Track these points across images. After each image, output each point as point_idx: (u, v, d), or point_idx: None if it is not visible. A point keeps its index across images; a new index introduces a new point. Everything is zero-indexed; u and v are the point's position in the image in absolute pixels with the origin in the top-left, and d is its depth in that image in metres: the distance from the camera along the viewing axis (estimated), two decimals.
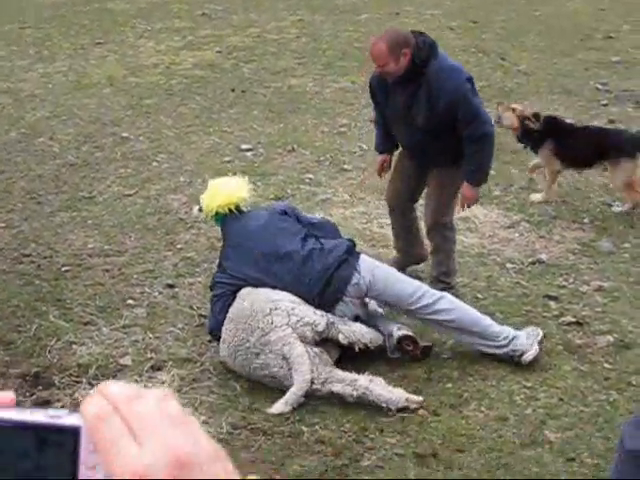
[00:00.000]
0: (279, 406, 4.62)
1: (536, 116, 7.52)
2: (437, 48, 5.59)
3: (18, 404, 0.96)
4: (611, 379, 4.93)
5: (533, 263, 6.41)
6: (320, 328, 4.83)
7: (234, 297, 5.08)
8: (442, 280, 5.98)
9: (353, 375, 4.68)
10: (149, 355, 5.18)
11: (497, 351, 5.00)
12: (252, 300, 4.92)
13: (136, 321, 5.64)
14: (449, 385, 4.89)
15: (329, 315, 4.92)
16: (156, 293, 6.04)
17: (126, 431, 0.79)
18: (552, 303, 5.81)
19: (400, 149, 6.26)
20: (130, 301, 5.91)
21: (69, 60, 12.40)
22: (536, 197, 7.58)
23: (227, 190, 5.47)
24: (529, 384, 4.89)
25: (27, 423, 0.81)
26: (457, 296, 5.45)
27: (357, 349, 4.93)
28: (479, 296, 5.91)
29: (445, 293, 5.20)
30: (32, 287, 6.12)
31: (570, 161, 7.46)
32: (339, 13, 15.35)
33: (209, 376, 4.98)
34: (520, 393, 4.81)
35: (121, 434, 0.79)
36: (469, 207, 6.08)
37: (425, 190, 6.13)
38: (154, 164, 8.62)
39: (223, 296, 5.17)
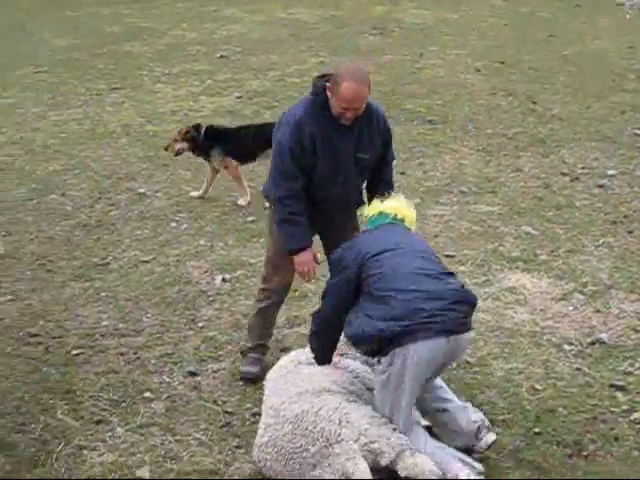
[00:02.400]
0: None
1: (196, 127, 8.62)
2: None
3: None
4: None
5: (593, 343, 5.78)
6: (383, 462, 4.18)
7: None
8: None
9: None
10: (169, 465, 4.57)
11: None
12: (317, 404, 4.29)
13: (154, 419, 5.03)
14: None
15: (404, 443, 4.27)
16: (176, 383, 5.44)
17: None
18: (620, 395, 5.18)
19: None
20: (147, 393, 5.31)
21: (84, 107, 11.93)
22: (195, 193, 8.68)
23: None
24: None
25: None
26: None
27: None
28: (537, 387, 5.28)
29: None
30: (39, 375, 5.53)
31: (239, 158, 8.56)
32: (361, 55, 14.84)
33: None
34: None
35: None
36: None
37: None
38: (172, 224, 8.06)
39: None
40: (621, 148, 9.99)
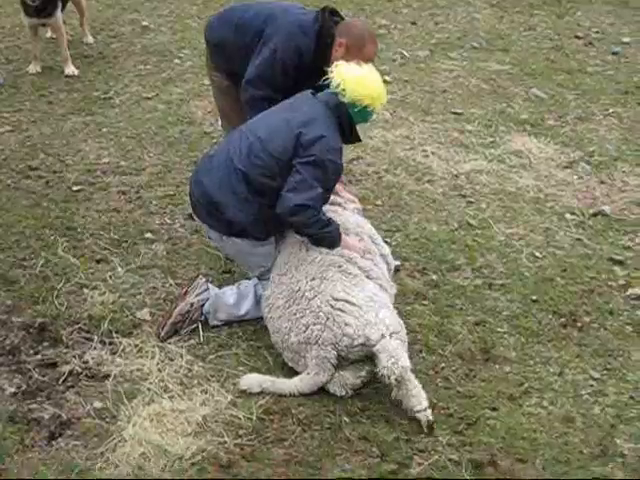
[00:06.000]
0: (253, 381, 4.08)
1: None
2: None
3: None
4: None
5: (595, 215, 5.77)
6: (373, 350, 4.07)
7: None
8: None
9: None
10: (169, 308, 4.58)
11: None
12: (315, 289, 4.19)
13: (155, 261, 5.04)
14: (507, 369, 4.33)
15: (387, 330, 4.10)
16: (177, 225, 5.42)
17: None
18: (617, 269, 5.19)
19: None
20: (148, 234, 5.30)
21: None
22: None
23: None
24: (596, 374, 4.32)
25: None
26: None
27: None
28: (537, 254, 5.29)
29: None
30: (39, 209, 5.50)
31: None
32: None
33: (237, 341, 4.41)
34: (586, 386, 4.24)
35: None
36: None
37: None
38: (176, 61, 7.89)
39: None
40: (638, 15, 9.70)
